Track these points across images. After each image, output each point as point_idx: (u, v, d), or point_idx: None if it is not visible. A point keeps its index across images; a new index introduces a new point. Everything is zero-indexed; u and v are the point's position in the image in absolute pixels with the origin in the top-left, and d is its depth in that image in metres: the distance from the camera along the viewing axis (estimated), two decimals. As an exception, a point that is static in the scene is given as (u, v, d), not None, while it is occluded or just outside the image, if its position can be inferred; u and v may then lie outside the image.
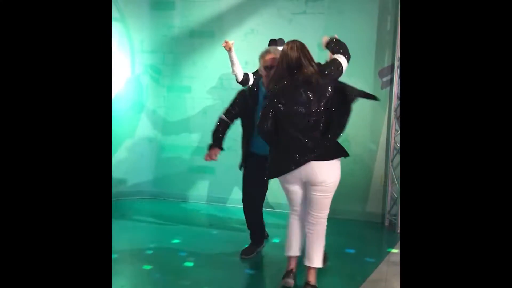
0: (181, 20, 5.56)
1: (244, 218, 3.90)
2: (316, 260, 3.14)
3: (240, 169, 3.84)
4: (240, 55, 4.42)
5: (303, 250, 3.24)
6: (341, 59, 3.13)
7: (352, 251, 4.11)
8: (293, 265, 3.24)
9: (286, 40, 4.44)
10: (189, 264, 3.72)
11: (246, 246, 3.87)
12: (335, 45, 3.24)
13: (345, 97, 3.08)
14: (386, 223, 4.94)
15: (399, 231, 4.70)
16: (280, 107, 3.04)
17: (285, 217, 3.40)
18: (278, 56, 3.28)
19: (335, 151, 3.13)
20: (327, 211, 3.22)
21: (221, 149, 3.71)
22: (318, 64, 3.13)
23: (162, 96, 5.69)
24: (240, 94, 3.75)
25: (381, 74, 4.99)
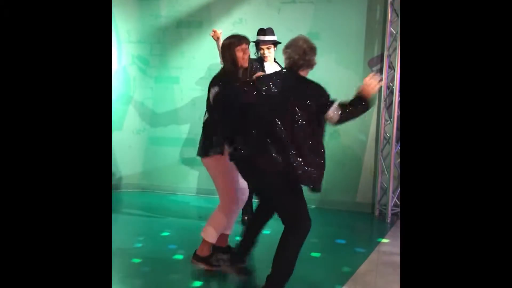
0: (168, 9, 5.48)
1: None
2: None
3: None
4: (229, 45, 4.36)
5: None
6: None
7: (342, 241, 4.12)
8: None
9: (275, 30, 4.43)
10: (179, 257, 3.69)
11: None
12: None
13: None
14: (376, 213, 4.96)
15: (389, 221, 4.72)
16: None
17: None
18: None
19: None
20: None
21: None
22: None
23: (149, 87, 5.62)
24: None
25: (370, 63, 4.97)
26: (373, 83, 2.82)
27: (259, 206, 3.19)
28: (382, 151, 4.91)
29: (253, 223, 3.23)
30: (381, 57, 4.91)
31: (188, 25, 5.44)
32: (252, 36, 4.51)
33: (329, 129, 4.91)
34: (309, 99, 2.74)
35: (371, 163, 5.04)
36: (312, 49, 2.90)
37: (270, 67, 4.27)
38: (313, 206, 5.01)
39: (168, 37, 5.51)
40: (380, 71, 4.90)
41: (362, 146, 5.04)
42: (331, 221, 4.71)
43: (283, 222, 2.83)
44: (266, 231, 4.14)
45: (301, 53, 2.83)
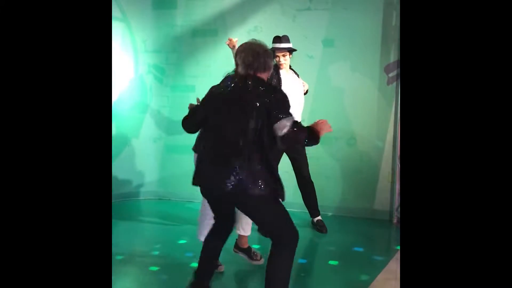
0: (183, 19, 5.53)
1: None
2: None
3: None
4: (244, 53, 4.38)
5: None
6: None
7: (360, 249, 4.07)
8: None
9: (290, 37, 4.44)
10: (196, 264, 3.68)
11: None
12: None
13: None
14: (394, 221, 4.90)
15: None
16: None
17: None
18: None
19: None
20: None
21: None
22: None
23: (166, 96, 5.67)
24: None
25: (387, 69, 4.94)
26: (327, 125, 2.67)
27: (215, 227, 3.05)
28: (399, 158, 4.86)
29: (211, 246, 3.09)
30: (397, 63, 4.88)
31: (204, 34, 5.48)
32: (267, 44, 4.53)
33: (345, 135, 4.92)
34: (268, 104, 2.58)
35: (389, 169, 4.99)
36: (267, 52, 2.76)
37: (286, 75, 4.27)
38: (330, 214, 4.98)
39: (183, 46, 5.55)
40: (397, 77, 4.86)
41: (379, 152, 4.99)
42: (348, 228, 4.67)
43: (270, 237, 2.70)
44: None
45: (255, 55, 2.70)
